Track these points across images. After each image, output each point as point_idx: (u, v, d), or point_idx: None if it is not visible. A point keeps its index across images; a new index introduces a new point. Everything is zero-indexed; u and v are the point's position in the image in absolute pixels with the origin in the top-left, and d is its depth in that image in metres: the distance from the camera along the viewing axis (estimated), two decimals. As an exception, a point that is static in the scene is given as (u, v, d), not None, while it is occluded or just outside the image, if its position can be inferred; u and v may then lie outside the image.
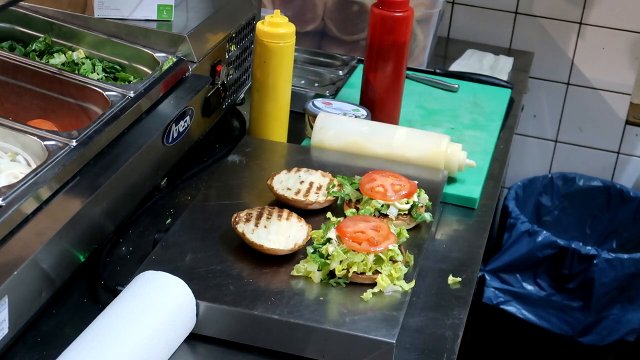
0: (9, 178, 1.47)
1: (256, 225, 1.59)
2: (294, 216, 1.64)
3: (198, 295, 1.44)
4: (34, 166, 1.52)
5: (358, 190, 1.73)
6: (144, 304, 1.38)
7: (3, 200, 1.37)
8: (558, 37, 2.96)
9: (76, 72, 1.82)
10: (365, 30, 2.40)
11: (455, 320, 1.56)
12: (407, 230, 1.64)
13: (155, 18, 1.93)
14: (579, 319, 2.79)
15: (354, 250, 1.53)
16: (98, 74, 1.85)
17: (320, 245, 1.56)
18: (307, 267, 1.53)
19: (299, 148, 2.01)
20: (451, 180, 1.96)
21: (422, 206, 1.73)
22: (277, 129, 2.04)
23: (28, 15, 1.92)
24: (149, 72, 1.85)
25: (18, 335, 1.39)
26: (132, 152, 1.63)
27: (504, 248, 2.84)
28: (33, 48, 1.88)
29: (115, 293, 1.46)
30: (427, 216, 1.71)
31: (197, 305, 1.44)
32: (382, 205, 1.70)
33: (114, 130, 1.63)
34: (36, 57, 1.86)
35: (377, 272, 1.52)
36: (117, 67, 1.89)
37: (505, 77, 2.65)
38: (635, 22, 2.88)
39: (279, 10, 1.98)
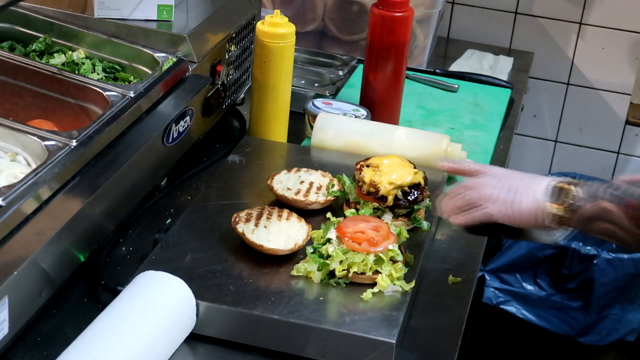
0: (9, 178, 1.47)
1: (256, 225, 1.59)
2: (294, 216, 1.64)
3: (198, 295, 1.44)
4: (34, 166, 1.52)
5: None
6: (144, 304, 1.38)
7: (3, 200, 1.37)
8: (558, 37, 2.95)
9: (76, 72, 1.82)
10: (365, 30, 2.40)
11: (455, 320, 1.56)
12: (407, 230, 1.64)
13: (155, 18, 1.93)
14: (579, 319, 2.79)
15: (354, 251, 1.53)
16: (98, 74, 1.85)
17: (320, 245, 1.56)
18: (307, 267, 1.52)
19: (299, 148, 2.01)
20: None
21: (421, 209, 1.72)
22: (277, 129, 2.04)
23: (28, 15, 1.92)
24: (149, 72, 1.85)
25: (18, 335, 1.39)
26: (132, 152, 1.63)
27: (504, 248, 2.83)
28: (33, 48, 1.88)
29: (115, 293, 1.46)
30: (425, 225, 1.70)
31: (197, 305, 1.44)
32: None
33: (114, 130, 1.63)
34: (36, 57, 1.85)
35: (377, 272, 1.52)
36: (117, 67, 1.89)
37: (505, 77, 2.65)
38: (635, 22, 2.88)
39: (279, 10, 1.98)
